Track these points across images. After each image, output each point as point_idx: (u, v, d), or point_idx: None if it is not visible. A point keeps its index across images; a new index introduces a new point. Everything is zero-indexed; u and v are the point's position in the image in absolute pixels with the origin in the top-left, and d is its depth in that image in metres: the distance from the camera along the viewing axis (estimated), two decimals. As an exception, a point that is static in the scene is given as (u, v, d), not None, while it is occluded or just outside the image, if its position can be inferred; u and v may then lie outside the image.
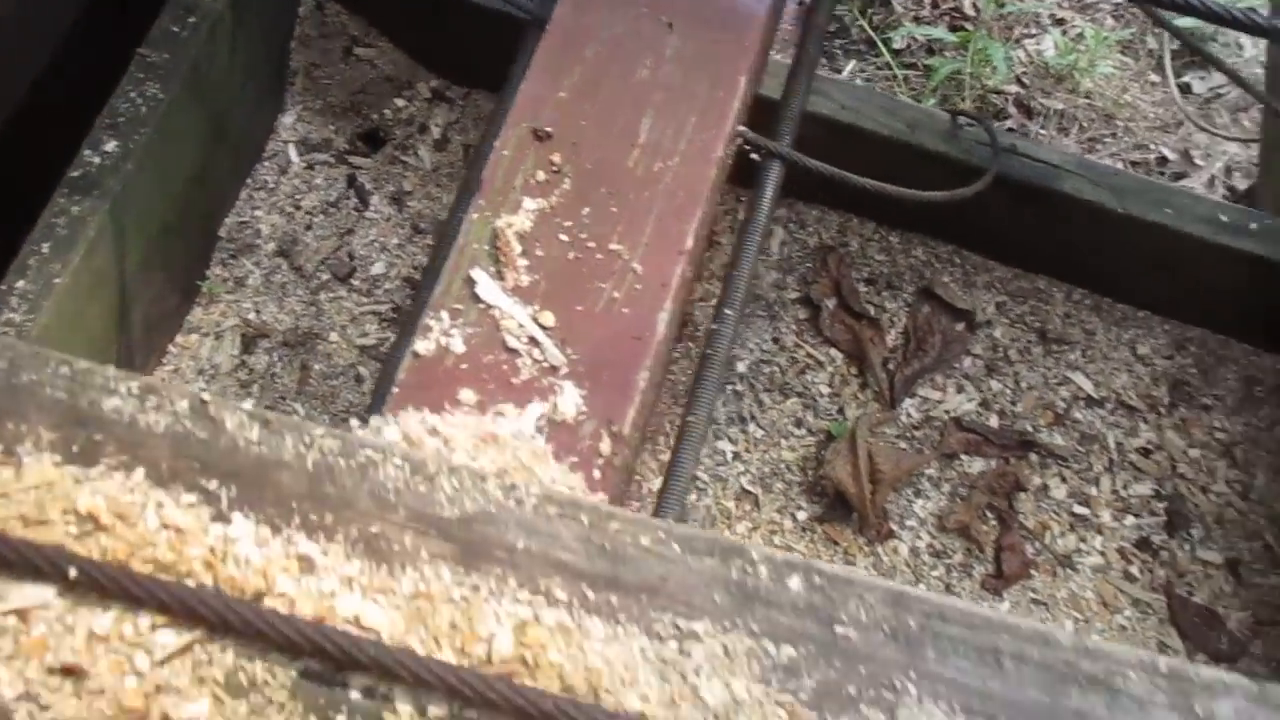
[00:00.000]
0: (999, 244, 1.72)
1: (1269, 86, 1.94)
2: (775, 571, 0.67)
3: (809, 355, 1.70)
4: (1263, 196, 1.82)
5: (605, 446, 0.73)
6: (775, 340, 1.71)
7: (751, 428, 1.65)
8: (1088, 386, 1.70)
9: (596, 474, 0.72)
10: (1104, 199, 1.55)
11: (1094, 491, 1.63)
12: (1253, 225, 1.52)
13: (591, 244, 0.79)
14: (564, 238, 0.79)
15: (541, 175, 0.81)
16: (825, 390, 1.68)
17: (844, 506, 1.58)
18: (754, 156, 0.94)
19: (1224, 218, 1.52)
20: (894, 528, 1.58)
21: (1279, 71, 1.89)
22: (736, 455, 1.63)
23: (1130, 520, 1.62)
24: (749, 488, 1.61)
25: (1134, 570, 1.60)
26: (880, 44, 2.04)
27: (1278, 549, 1.61)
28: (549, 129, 0.82)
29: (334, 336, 1.67)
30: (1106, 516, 1.62)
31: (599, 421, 0.73)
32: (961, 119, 1.58)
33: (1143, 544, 1.61)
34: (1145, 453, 1.66)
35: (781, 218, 1.80)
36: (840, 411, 1.66)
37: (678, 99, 0.84)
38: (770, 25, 0.92)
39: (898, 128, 1.60)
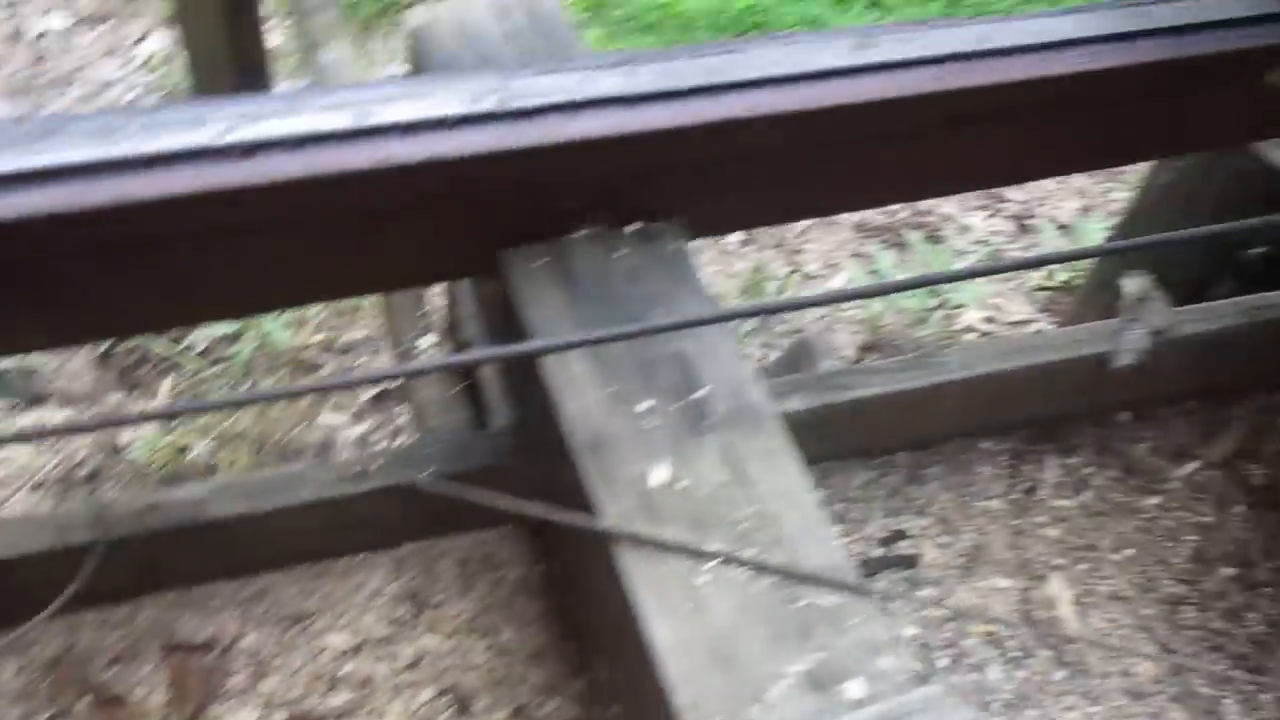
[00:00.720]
0: (218, 571, 1.89)
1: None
2: None
3: (83, 764, 1.74)
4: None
5: None
6: (45, 770, 1.73)
7: None
8: (343, 641, 1.91)
9: None
10: (250, 506, 1.78)
11: (388, 722, 1.84)
12: (373, 467, 1.83)
13: None
14: None
15: None
16: (113, 785, 1.73)
17: None
18: None
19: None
20: None
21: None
22: None
23: (427, 728, 1.85)
24: None
25: (451, 768, 1.82)
26: (182, 353, 2.18)
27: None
28: None
29: None
30: (406, 737, 1.84)
31: None
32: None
33: (446, 740, 1.84)
34: (414, 665, 1.91)
35: (8, 647, 1.83)
36: (136, 796, 1.72)
37: None
38: None
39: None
